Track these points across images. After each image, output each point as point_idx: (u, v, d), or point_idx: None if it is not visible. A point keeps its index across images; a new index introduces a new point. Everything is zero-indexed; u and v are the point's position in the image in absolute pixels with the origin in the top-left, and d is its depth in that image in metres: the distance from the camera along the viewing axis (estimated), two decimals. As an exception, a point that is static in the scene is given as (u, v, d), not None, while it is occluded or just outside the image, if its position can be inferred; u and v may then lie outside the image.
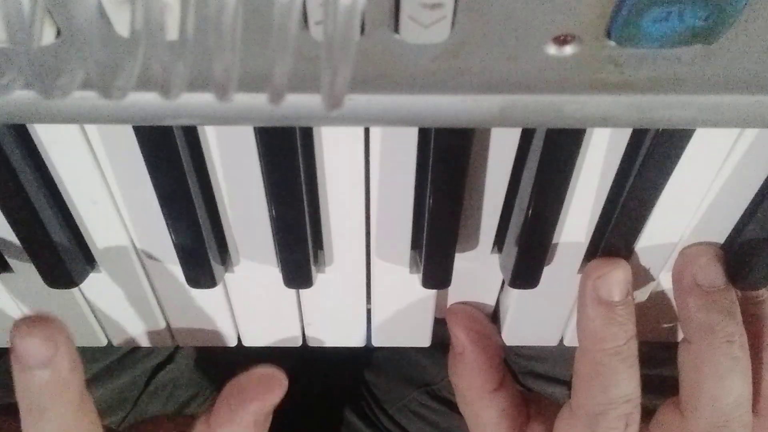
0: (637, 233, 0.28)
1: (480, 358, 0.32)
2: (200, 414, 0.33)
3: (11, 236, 0.27)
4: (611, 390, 0.28)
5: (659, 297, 0.32)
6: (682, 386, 0.29)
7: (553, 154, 0.24)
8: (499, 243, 0.30)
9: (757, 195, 0.27)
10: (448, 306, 0.34)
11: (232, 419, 0.31)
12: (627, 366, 0.28)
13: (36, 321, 0.26)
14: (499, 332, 0.35)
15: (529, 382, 0.47)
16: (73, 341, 0.27)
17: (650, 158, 0.24)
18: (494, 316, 0.35)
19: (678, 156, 0.25)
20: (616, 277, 0.28)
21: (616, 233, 0.28)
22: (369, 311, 0.33)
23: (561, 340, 0.35)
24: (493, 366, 0.33)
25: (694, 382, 0.28)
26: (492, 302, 0.34)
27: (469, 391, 0.33)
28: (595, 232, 0.29)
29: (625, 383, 0.28)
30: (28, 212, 0.26)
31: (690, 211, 0.28)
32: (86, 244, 0.29)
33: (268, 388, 0.31)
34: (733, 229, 0.28)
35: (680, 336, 0.30)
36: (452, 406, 0.50)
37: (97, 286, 0.31)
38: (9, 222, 0.27)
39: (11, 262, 0.30)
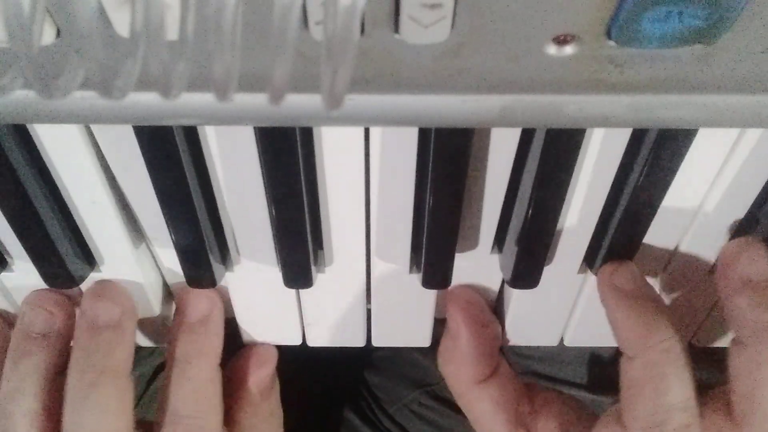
0: (643, 234, 0.28)
1: (472, 345, 0.32)
2: None
3: (12, 236, 0.27)
4: (667, 394, 0.26)
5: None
6: (736, 392, 0.27)
7: (553, 154, 0.24)
8: (499, 243, 0.30)
9: (759, 196, 0.27)
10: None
11: (240, 396, 0.34)
12: (681, 365, 0.26)
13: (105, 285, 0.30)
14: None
15: (528, 382, 0.46)
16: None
17: (655, 158, 0.24)
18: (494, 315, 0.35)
19: (683, 155, 0.24)
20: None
21: (621, 234, 0.28)
22: (369, 311, 0.33)
23: (561, 340, 0.35)
24: (485, 355, 0.32)
25: (750, 387, 0.26)
26: (492, 299, 0.34)
27: (457, 380, 0.33)
28: (595, 232, 0.29)
29: (679, 386, 0.26)
30: (28, 212, 0.26)
31: (690, 210, 0.28)
32: (86, 244, 0.29)
33: (258, 363, 0.34)
34: (735, 230, 0.28)
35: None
36: (452, 406, 0.50)
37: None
38: (9, 222, 0.27)
39: (11, 261, 0.30)
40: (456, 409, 0.49)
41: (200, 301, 0.31)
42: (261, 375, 0.34)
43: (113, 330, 0.29)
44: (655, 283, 0.31)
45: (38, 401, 0.29)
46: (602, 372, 0.46)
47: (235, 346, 0.35)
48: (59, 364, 0.29)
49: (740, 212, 0.28)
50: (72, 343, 0.30)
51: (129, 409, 0.29)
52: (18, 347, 0.29)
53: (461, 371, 0.32)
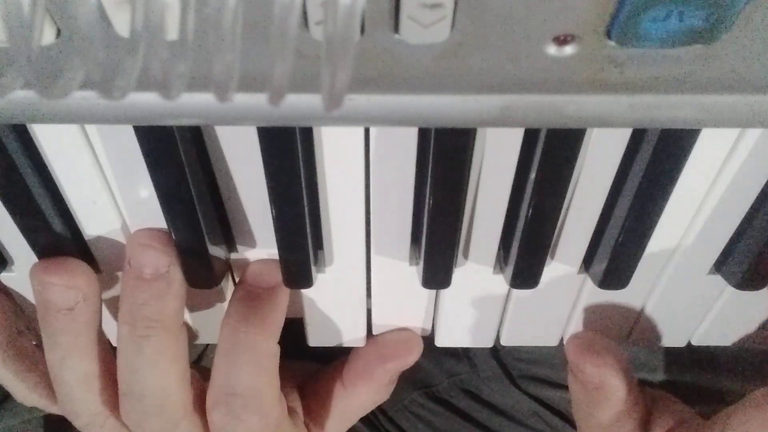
0: (647, 239, 0.28)
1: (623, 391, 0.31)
2: (329, 369, 0.36)
3: (11, 235, 0.27)
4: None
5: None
6: None
7: (553, 153, 0.24)
8: (504, 247, 0.30)
9: (759, 196, 0.27)
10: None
11: (369, 376, 0.34)
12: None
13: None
14: (499, 333, 0.35)
15: (527, 386, 0.46)
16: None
17: (657, 158, 0.24)
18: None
19: (686, 156, 0.24)
20: None
21: (627, 235, 0.28)
22: (369, 311, 0.33)
23: (561, 341, 0.35)
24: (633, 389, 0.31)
25: None
26: (497, 315, 0.34)
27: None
28: (595, 232, 0.29)
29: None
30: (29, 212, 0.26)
31: (690, 211, 0.28)
32: (86, 243, 0.29)
33: (406, 350, 0.34)
34: (736, 230, 0.28)
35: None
36: (451, 408, 0.50)
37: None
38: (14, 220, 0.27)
39: (10, 261, 0.30)
40: (455, 411, 0.49)
41: (271, 270, 0.30)
42: (403, 362, 0.34)
43: (162, 281, 0.28)
44: (655, 284, 0.31)
45: (87, 362, 0.29)
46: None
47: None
48: (97, 321, 0.29)
49: (739, 215, 0.28)
50: (120, 293, 0.28)
51: (184, 356, 0.30)
52: (47, 320, 0.28)
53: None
